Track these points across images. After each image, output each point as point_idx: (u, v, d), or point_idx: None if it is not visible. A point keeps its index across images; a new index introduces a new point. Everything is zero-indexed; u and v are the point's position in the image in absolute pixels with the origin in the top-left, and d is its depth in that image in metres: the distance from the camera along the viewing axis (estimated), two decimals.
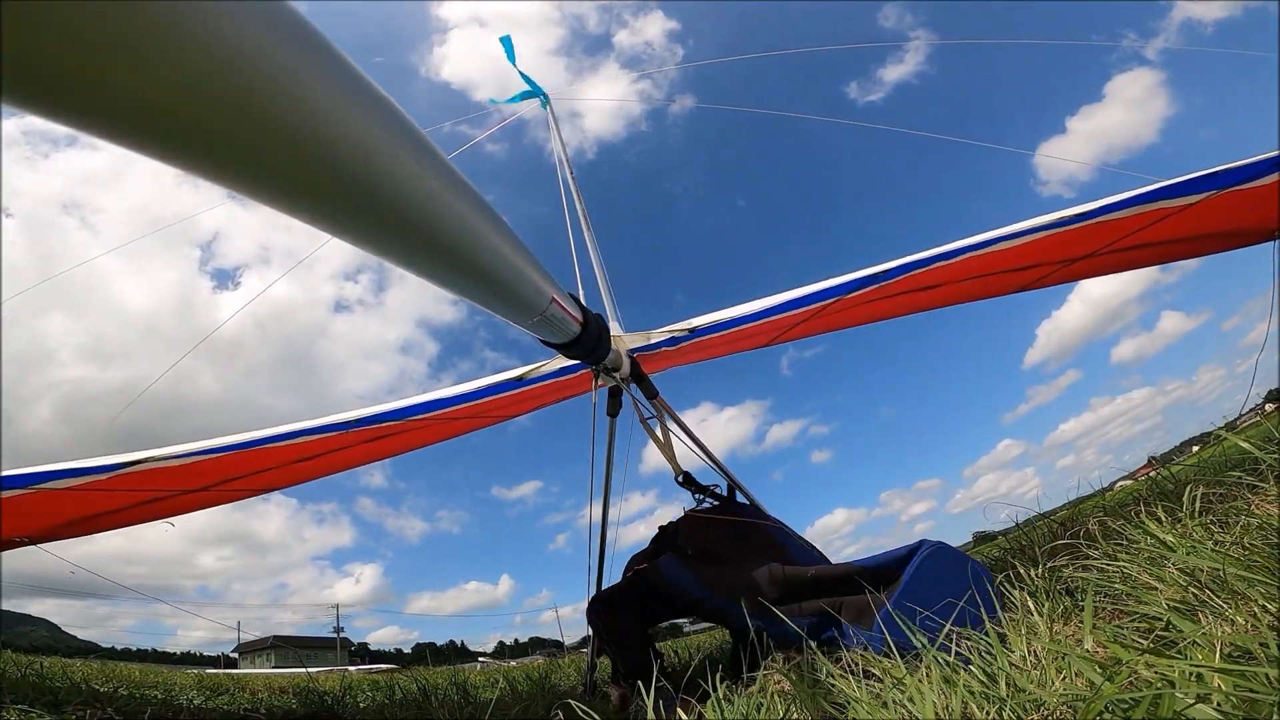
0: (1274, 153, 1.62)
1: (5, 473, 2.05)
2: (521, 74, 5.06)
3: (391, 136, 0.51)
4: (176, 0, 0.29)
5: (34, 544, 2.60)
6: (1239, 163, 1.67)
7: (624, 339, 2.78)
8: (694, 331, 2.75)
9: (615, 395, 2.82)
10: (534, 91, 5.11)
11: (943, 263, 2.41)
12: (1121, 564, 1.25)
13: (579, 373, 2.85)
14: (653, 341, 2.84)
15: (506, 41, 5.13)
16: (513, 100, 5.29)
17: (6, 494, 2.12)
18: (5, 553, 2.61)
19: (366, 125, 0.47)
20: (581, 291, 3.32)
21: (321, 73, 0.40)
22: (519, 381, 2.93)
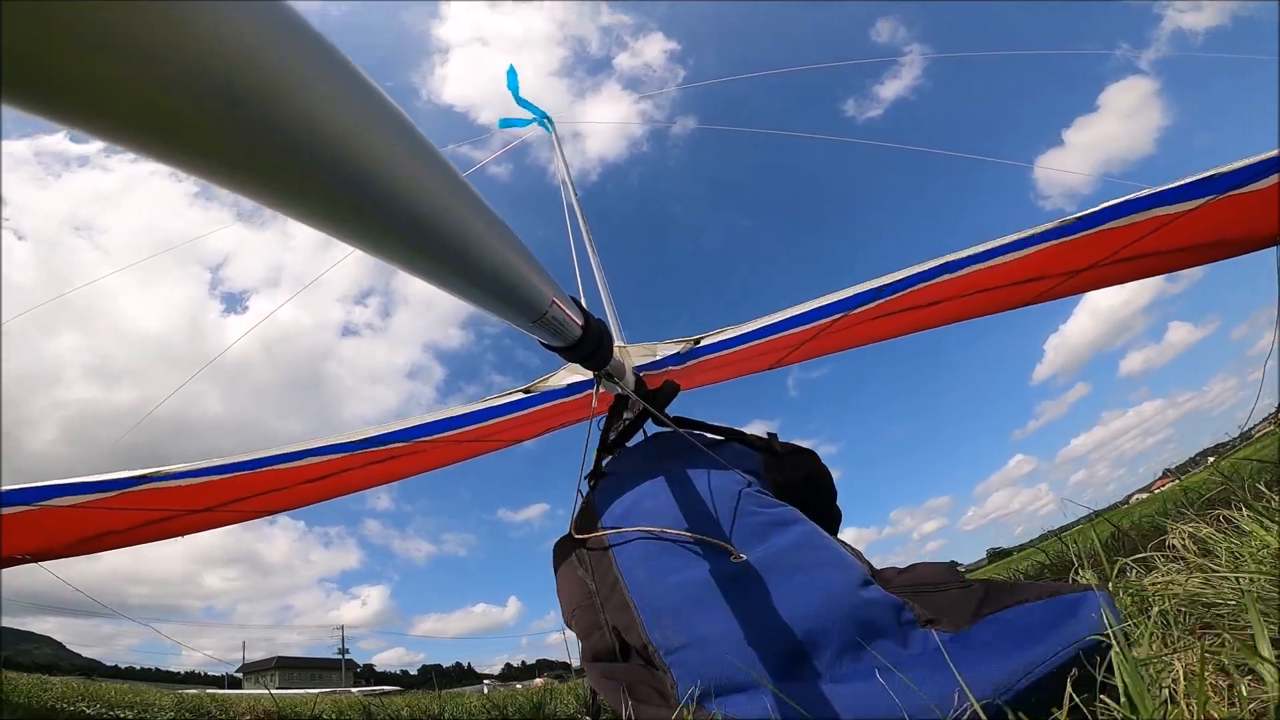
0: (1273, 153, 1.61)
1: (8, 488, 2.04)
2: (521, 101, 5.15)
3: (393, 137, 0.52)
4: (183, 0, 0.30)
5: (36, 561, 2.58)
6: (1237, 164, 1.66)
7: (629, 352, 2.78)
8: (698, 343, 2.75)
9: (618, 411, 2.81)
10: (536, 117, 5.21)
11: (947, 275, 2.41)
12: (1210, 571, 1.11)
13: (586, 392, 2.85)
14: (659, 357, 2.84)
15: (511, 73, 5.25)
16: (511, 124, 5.37)
17: (8, 510, 2.11)
18: (7, 569, 2.59)
19: (368, 125, 0.47)
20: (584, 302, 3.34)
21: (323, 73, 0.41)
22: (526, 401, 2.93)
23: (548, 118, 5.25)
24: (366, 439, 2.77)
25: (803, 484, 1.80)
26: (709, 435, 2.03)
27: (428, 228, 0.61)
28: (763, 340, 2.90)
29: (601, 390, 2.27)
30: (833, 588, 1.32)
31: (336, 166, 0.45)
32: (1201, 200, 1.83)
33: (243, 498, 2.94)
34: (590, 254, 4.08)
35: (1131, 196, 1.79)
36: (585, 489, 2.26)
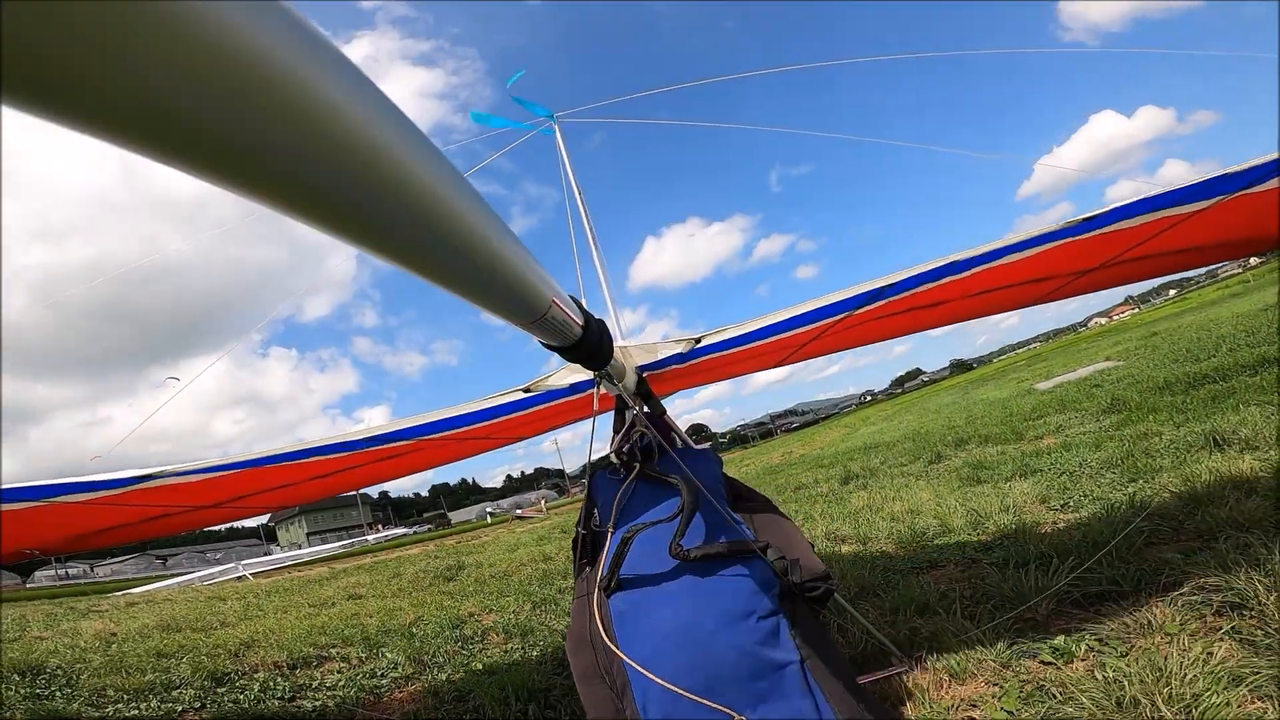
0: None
1: (15, 485, 2.06)
2: (519, 100, 5.13)
3: (392, 136, 0.51)
4: (184, 1, 0.30)
5: (43, 555, 2.61)
6: (1249, 164, 1.66)
7: (630, 352, 2.77)
8: (699, 343, 2.75)
9: (620, 411, 2.81)
10: (541, 115, 5.20)
11: (951, 277, 2.40)
12: None
13: (588, 392, 2.85)
14: (660, 357, 2.84)
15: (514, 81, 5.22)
16: (520, 101, 5.32)
17: (14, 506, 2.13)
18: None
19: (368, 126, 0.47)
20: (585, 301, 3.35)
21: (323, 73, 0.41)
22: (527, 400, 2.93)
23: (552, 116, 5.25)
24: (371, 438, 2.78)
25: (808, 608, 1.82)
26: (736, 538, 1.92)
27: (427, 228, 0.61)
28: (766, 340, 2.89)
29: (602, 391, 2.26)
30: None
31: (337, 167, 0.45)
32: (1213, 200, 1.83)
33: (248, 494, 2.96)
34: (593, 253, 4.08)
35: (1142, 196, 1.79)
36: (594, 490, 2.25)
